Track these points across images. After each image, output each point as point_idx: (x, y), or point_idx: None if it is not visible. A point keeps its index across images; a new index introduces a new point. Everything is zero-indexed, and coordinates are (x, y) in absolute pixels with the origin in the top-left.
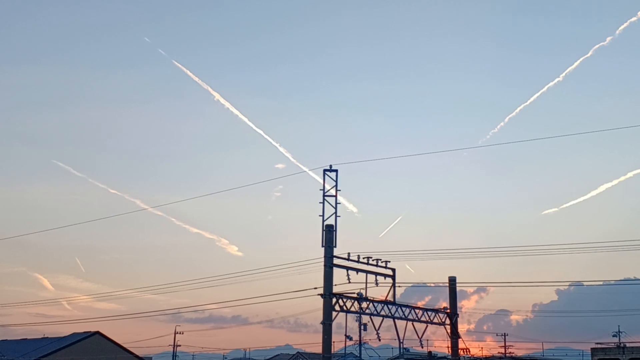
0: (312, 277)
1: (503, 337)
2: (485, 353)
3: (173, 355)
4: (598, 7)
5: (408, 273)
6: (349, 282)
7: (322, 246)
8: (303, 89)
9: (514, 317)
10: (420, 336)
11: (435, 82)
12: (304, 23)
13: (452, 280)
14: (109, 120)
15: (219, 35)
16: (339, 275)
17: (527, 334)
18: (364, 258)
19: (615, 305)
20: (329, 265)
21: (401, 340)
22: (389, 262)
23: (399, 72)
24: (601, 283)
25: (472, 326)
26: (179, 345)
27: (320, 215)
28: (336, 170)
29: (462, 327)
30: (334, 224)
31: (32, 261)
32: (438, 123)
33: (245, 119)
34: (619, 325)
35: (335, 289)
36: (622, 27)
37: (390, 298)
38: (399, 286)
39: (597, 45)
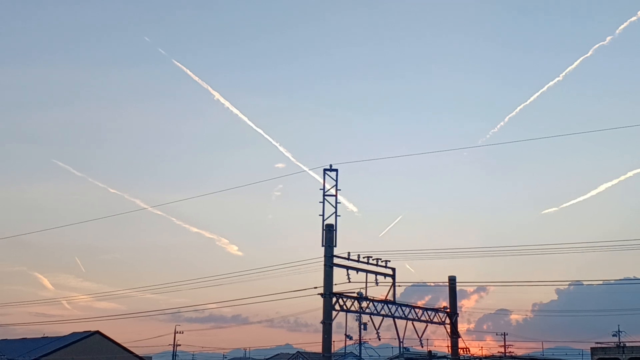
0: (312, 277)
1: (503, 336)
2: (485, 352)
3: (173, 355)
4: (598, 6)
5: (408, 272)
6: (349, 282)
7: (322, 246)
8: (303, 88)
9: (513, 316)
10: (420, 335)
11: (436, 82)
12: (304, 22)
13: (452, 280)
14: (109, 120)
15: (219, 34)
16: (339, 274)
17: (527, 334)
18: (364, 257)
19: (615, 305)
20: (329, 265)
21: (401, 340)
22: (389, 261)
23: (399, 72)
24: (601, 282)
25: (472, 325)
26: (179, 345)
27: (320, 215)
28: (336, 170)
29: (462, 327)
30: (334, 223)
31: (32, 261)
32: (438, 122)
33: (245, 119)
34: (618, 325)
35: (335, 289)
36: (622, 26)
37: (390, 297)
38: (399, 286)
39: (597, 45)
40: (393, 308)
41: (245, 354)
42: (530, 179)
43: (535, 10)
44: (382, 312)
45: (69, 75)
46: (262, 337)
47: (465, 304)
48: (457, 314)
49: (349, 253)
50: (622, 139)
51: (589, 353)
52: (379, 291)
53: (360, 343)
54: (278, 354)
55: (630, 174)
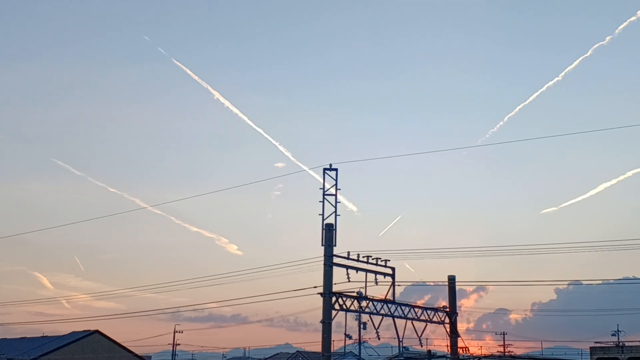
0: (311, 276)
1: (502, 336)
2: (485, 352)
3: (172, 354)
4: (598, 6)
5: (407, 272)
6: (349, 281)
7: (322, 245)
8: (303, 87)
9: (513, 316)
10: (419, 335)
11: (435, 81)
12: (304, 22)
13: (452, 279)
14: (108, 119)
15: (219, 33)
16: (338, 274)
17: (526, 333)
18: (363, 257)
19: (614, 305)
20: (328, 264)
21: (400, 339)
22: (389, 261)
23: (399, 72)
24: (600, 282)
25: (471, 325)
26: (179, 344)
27: (320, 214)
28: (336, 169)
29: (461, 326)
30: (333, 222)
31: (32, 260)
32: (437, 122)
33: (245, 118)
34: (618, 325)
35: (335, 288)
36: (621, 26)
37: (389, 297)
38: (399, 285)
39: (597, 45)
40: (392, 307)
41: (244, 353)
42: (529, 178)
43: (534, 10)
44: (382, 312)
45: (69, 74)
46: (261, 336)
47: (464, 304)
48: (457, 313)
49: (348, 252)
50: (621, 139)
51: (588, 353)
52: (379, 291)
53: (360, 342)
54: (277, 354)
55: (629, 173)
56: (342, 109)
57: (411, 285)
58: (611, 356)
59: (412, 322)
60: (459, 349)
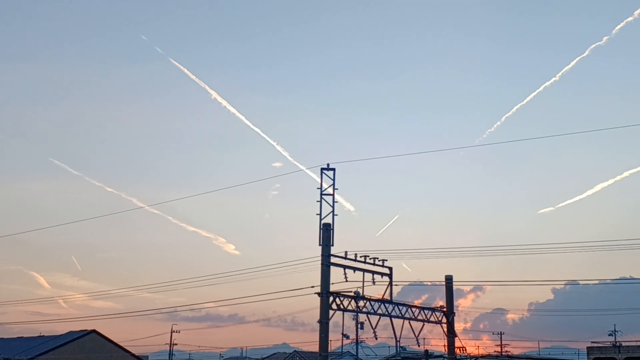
0: (309, 276)
1: (499, 335)
2: (482, 352)
3: (169, 354)
4: (594, 6)
5: (405, 272)
6: (346, 281)
7: (319, 245)
8: (300, 87)
9: (510, 315)
10: (416, 335)
11: (432, 81)
12: (301, 21)
13: (449, 279)
14: (106, 118)
15: (217, 33)
16: (336, 273)
17: (523, 333)
18: (361, 257)
19: (611, 304)
20: (326, 264)
21: (398, 339)
22: (386, 260)
23: (396, 72)
24: (597, 282)
25: (468, 325)
26: (176, 344)
27: (317, 214)
28: (333, 169)
29: (458, 326)
30: (331, 222)
31: (29, 259)
32: (435, 122)
33: (243, 117)
34: (614, 324)
35: (332, 288)
36: (618, 26)
37: (387, 297)
38: (396, 285)
39: (594, 45)
40: (390, 307)
41: (242, 353)
42: (526, 178)
43: (532, 11)
44: (379, 312)
45: (66, 73)
46: (258, 336)
47: (461, 303)
48: (454, 313)
49: (346, 252)
50: (618, 139)
51: (585, 352)
52: (376, 290)
53: (357, 342)
54: (275, 353)
55: (626, 173)
56: (340, 108)
57: (408, 285)
58: (608, 356)
59: (409, 322)
60: (456, 349)
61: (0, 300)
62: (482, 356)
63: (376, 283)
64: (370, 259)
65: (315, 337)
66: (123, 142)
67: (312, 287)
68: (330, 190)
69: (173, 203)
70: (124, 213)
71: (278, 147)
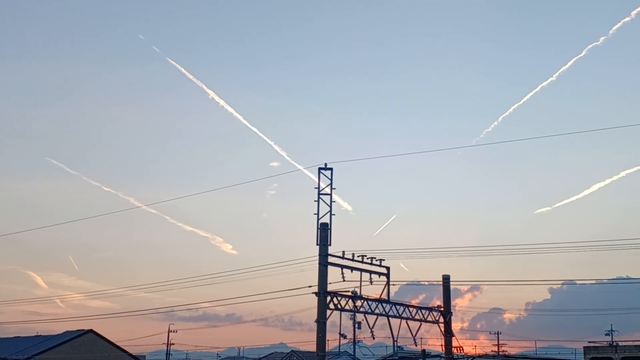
0: (306, 276)
1: (496, 335)
2: (479, 351)
3: (166, 354)
4: (592, 7)
5: (402, 271)
6: (344, 281)
7: (317, 244)
8: (298, 87)
9: (507, 315)
10: (414, 334)
11: (430, 81)
12: (299, 21)
13: (446, 279)
14: (103, 118)
15: (214, 32)
16: (333, 273)
17: (520, 333)
18: (358, 256)
19: (608, 304)
20: (323, 264)
21: (395, 339)
22: (384, 260)
23: (394, 72)
24: (594, 282)
25: (465, 324)
26: (173, 344)
27: (315, 214)
28: (331, 169)
29: (455, 326)
30: (328, 222)
31: (26, 259)
32: (432, 122)
33: (240, 117)
34: (611, 324)
35: (330, 288)
36: (615, 27)
37: (384, 296)
38: (393, 284)
39: (591, 45)
40: (387, 307)
41: (239, 353)
42: (523, 178)
43: (529, 11)
44: (377, 311)
45: (63, 72)
46: (256, 336)
47: (459, 303)
48: (451, 312)
49: (343, 252)
50: (615, 139)
51: (582, 352)
52: (373, 290)
53: (355, 342)
54: (272, 353)
55: (623, 174)
56: (338, 108)
57: (406, 284)
58: (605, 356)
59: (406, 322)
60: (453, 349)
61: None
62: (479, 356)
63: (373, 283)
64: (367, 258)
65: (313, 336)
66: (120, 142)
67: (310, 286)
68: (327, 190)
69: (170, 203)
70: (121, 213)
71: (276, 147)
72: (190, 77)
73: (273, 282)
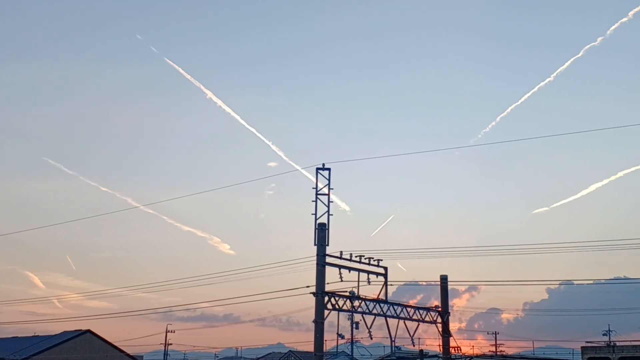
0: (304, 276)
1: (494, 335)
2: (476, 351)
3: (164, 354)
4: (589, 7)
5: (400, 271)
6: (341, 281)
7: (315, 244)
8: (295, 87)
9: (504, 315)
10: (411, 334)
11: (427, 81)
12: (297, 21)
13: (444, 279)
14: (100, 118)
15: (211, 32)
16: (331, 273)
17: (518, 333)
18: (356, 256)
19: (605, 304)
20: (321, 264)
21: (393, 339)
22: (381, 260)
23: (391, 71)
24: (591, 282)
25: (463, 324)
26: (171, 344)
27: (312, 214)
28: (329, 169)
29: (453, 326)
30: (326, 222)
31: (23, 259)
32: (430, 122)
33: (238, 117)
34: (609, 324)
35: (328, 288)
36: (613, 27)
37: (382, 296)
38: (391, 285)
39: (588, 46)
40: (385, 307)
41: (237, 353)
42: (521, 178)
43: (526, 11)
44: (374, 311)
45: (60, 72)
46: (253, 336)
47: (456, 303)
48: (449, 313)
49: (341, 252)
50: (612, 139)
51: (580, 352)
52: (371, 290)
53: (352, 342)
54: (270, 353)
55: (620, 174)
56: (335, 108)
57: (403, 284)
58: (602, 356)
59: (404, 322)
60: (451, 349)
61: None
62: (477, 356)
63: (371, 283)
64: (365, 258)
65: (311, 337)
66: (118, 142)
67: (308, 287)
68: (325, 190)
69: (168, 203)
70: (119, 213)
71: (273, 147)
72: (188, 77)
73: (271, 282)
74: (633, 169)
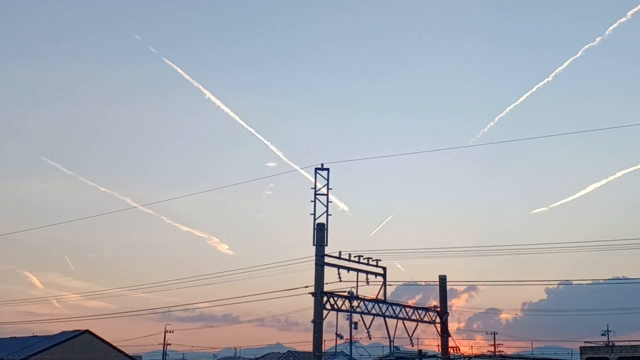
0: (303, 276)
1: (493, 335)
2: (475, 352)
3: (163, 354)
4: (588, 7)
5: (399, 272)
6: (340, 281)
7: (313, 245)
8: (294, 87)
9: (503, 315)
10: (410, 334)
11: (426, 81)
12: (296, 21)
13: (443, 279)
14: (99, 118)
15: (210, 32)
16: (330, 273)
17: (517, 333)
18: (355, 257)
19: (604, 304)
20: (320, 264)
21: (392, 339)
22: (380, 260)
23: (390, 71)
24: (590, 282)
25: (462, 325)
26: (169, 344)
27: (311, 214)
28: (327, 169)
29: (452, 326)
30: (325, 222)
31: (22, 259)
32: (429, 122)
33: (237, 117)
34: (607, 324)
35: (326, 288)
36: (611, 27)
37: (381, 297)
38: (390, 285)
39: (587, 46)
40: (384, 307)
41: (235, 353)
42: (520, 178)
43: (525, 12)
44: (373, 311)
45: (59, 72)
46: (252, 336)
47: (455, 303)
48: (448, 313)
49: (340, 252)
50: (611, 140)
51: (578, 352)
52: (370, 290)
53: (351, 342)
54: (269, 353)
55: (619, 174)
56: (334, 108)
57: (402, 285)
58: (601, 356)
59: (403, 322)
60: (449, 349)
61: None
62: (476, 356)
63: (370, 283)
64: (364, 258)
65: (309, 337)
66: (116, 142)
67: (306, 287)
68: (324, 190)
69: (166, 203)
70: (118, 213)
71: (272, 147)
72: (187, 77)
73: (269, 283)
74: (631, 169)
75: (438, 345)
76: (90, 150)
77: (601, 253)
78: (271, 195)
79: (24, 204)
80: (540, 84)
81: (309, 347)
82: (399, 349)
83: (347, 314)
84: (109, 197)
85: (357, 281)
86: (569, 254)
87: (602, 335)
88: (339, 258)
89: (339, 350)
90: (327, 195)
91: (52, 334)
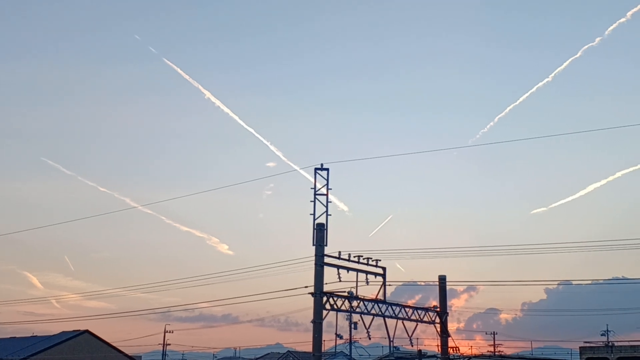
0: (302, 276)
1: (492, 335)
2: (475, 352)
3: (163, 354)
4: (587, 8)
5: (398, 272)
6: (340, 281)
7: (313, 245)
8: (294, 87)
9: (503, 315)
10: (410, 335)
11: (426, 81)
12: (295, 21)
13: (442, 279)
14: (99, 118)
15: (210, 33)
16: (329, 274)
17: (516, 333)
18: (354, 257)
19: (603, 304)
20: (319, 264)
21: (391, 339)
22: (380, 260)
23: (389, 71)
24: (590, 282)
25: (461, 325)
26: (169, 344)
27: (311, 214)
28: (327, 169)
29: (451, 326)
30: (324, 222)
31: (22, 259)
32: (428, 122)
33: (236, 117)
34: (607, 324)
35: (326, 288)
36: (611, 28)
37: (380, 297)
38: (389, 285)
39: (586, 46)
40: (383, 307)
41: (235, 353)
42: (519, 179)
43: (525, 12)
44: (373, 312)
45: (59, 72)
46: (252, 336)
47: (455, 303)
48: (447, 313)
49: (339, 252)
50: (610, 140)
51: (578, 352)
52: (370, 290)
53: (351, 342)
54: (268, 354)
55: (618, 174)
56: (334, 108)
57: (402, 285)
58: (600, 356)
59: (402, 322)
60: (449, 349)
61: None
62: (475, 356)
63: (370, 283)
64: (363, 259)
65: (309, 337)
66: (116, 142)
67: (306, 287)
68: (324, 190)
69: (166, 203)
70: (117, 213)
71: (272, 147)
72: (187, 77)
73: (269, 283)
74: (631, 169)
75: (438, 346)
76: (90, 150)
77: (601, 253)
78: (271, 195)
79: (24, 204)
80: (540, 84)
81: (308, 347)
82: (398, 349)
83: (347, 314)
84: (108, 197)
85: (357, 281)
86: (568, 254)
87: (602, 335)
88: (339, 258)
89: (339, 351)
90: (326, 195)
91: (52, 334)
